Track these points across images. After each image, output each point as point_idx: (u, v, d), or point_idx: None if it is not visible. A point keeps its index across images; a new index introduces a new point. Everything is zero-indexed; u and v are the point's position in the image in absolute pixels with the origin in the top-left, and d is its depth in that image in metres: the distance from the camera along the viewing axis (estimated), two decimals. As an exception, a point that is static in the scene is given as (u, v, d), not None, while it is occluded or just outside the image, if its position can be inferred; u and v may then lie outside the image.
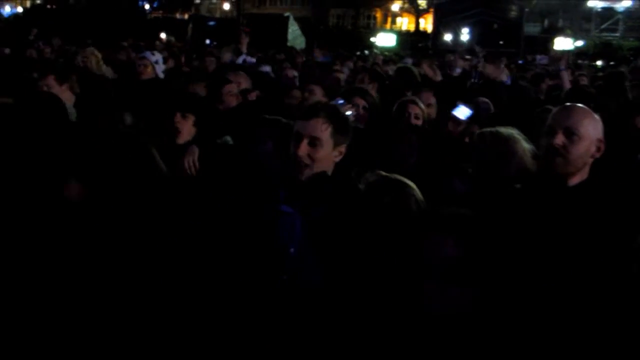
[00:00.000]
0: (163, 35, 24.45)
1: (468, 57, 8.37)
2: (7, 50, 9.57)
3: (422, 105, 3.81)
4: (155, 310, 1.77)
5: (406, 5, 47.51)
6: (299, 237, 2.16)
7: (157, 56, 6.05)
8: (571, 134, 2.24)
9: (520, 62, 12.17)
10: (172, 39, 25.03)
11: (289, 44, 20.34)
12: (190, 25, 25.97)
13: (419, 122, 3.70)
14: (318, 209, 2.17)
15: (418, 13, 45.67)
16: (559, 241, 2.02)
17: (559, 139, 2.24)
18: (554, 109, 2.42)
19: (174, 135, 3.16)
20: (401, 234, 1.85)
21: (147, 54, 5.99)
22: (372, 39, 33.49)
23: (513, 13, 31.35)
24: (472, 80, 6.48)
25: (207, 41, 22.11)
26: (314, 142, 2.22)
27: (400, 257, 1.78)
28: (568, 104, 2.49)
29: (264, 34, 20.30)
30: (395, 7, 48.38)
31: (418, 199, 1.99)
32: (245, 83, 4.90)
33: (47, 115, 2.86)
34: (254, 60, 7.23)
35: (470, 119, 3.26)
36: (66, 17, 27.64)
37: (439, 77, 6.84)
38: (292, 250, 2.17)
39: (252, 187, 2.38)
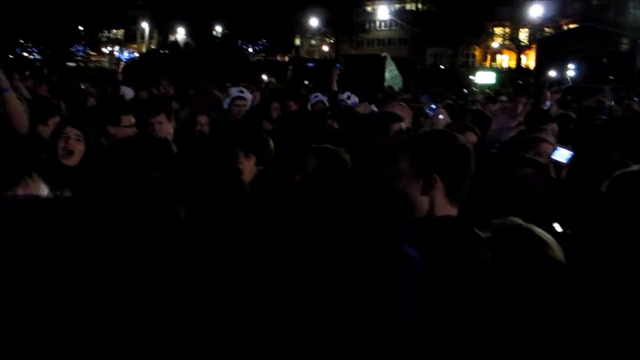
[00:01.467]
0: (264, 77, 25.44)
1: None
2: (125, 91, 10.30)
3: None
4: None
5: (507, 42, 46.47)
6: (421, 288, 1.86)
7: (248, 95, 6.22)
8: None
9: (635, 98, 11.22)
10: (273, 80, 26.01)
11: (386, 83, 20.42)
12: (290, 67, 26.87)
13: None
14: (437, 257, 1.87)
15: (519, 49, 44.50)
16: None
17: None
18: None
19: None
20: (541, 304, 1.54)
21: (246, 93, 6.12)
22: (471, 77, 32.91)
23: (624, 46, 29.65)
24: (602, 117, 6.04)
25: (306, 82, 22.71)
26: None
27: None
28: None
29: (361, 74, 20.57)
30: (495, 44, 47.46)
31: (557, 259, 1.67)
32: (408, 117, 4.40)
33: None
34: (357, 99, 7.14)
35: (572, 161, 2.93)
36: (177, 60, 29.56)
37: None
38: (411, 300, 1.87)
39: (370, 217, 2.16)
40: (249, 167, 3.18)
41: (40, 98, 6.31)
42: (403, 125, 3.77)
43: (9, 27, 54.36)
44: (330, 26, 47.31)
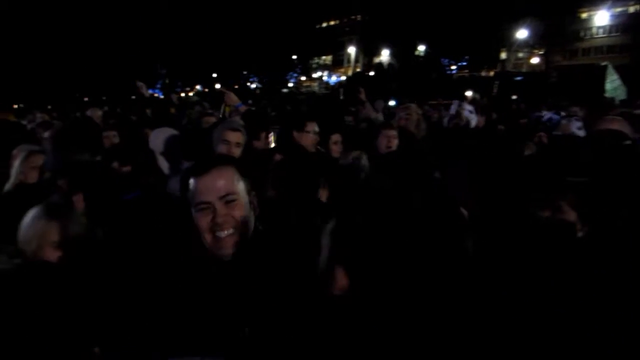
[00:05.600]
0: (469, 93, 24.90)
1: None
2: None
3: None
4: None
5: None
6: None
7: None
8: None
9: None
10: (477, 96, 25.33)
11: (607, 94, 18.51)
12: (496, 82, 25.92)
13: None
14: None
15: None
16: None
17: None
18: None
19: None
20: None
21: (465, 105, 6.14)
22: None
23: None
24: None
25: (514, 96, 21.71)
26: None
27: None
28: None
29: (577, 86, 18.99)
30: None
31: None
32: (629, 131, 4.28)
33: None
34: (557, 116, 6.76)
35: None
36: (382, 81, 30.51)
37: None
38: None
39: None
40: None
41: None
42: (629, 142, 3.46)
43: (235, 60, 61.49)
44: (541, 37, 44.61)
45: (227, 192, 1.87)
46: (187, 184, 1.90)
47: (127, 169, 3.75)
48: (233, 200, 1.87)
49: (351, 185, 3.70)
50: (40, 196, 2.71)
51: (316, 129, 4.61)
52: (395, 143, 4.85)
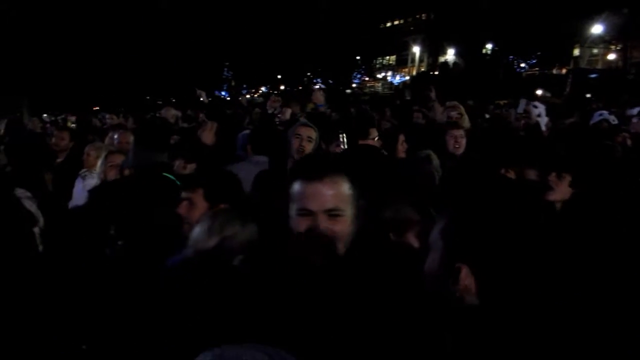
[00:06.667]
0: (539, 92, 24.05)
1: None
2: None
3: None
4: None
5: None
6: None
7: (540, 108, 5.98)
8: None
9: None
10: (548, 94, 24.41)
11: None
12: (569, 80, 24.94)
13: None
14: None
15: None
16: None
17: None
18: None
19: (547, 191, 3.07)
20: None
21: (533, 104, 5.91)
22: None
23: None
24: None
25: (588, 95, 20.82)
26: None
27: None
28: None
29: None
30: None
31: None
32: None
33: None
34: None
35: None
36: (447, 80, 29.97)
37: None
38: None
39: None
40: (561, 188, 3.11)
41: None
42: None
43: (300, 62, 62.19)
44: (618, 31, 42.36)
45: (334, 207, 1.76)
46: (293, 182, 1.79)
47: (191, 166, 3.90)
48: (337, 216, 1.75)
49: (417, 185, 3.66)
50: (123, 193, 2.82)
51: (376, 133, 4.64)
52: (463, 143, 4.79)
